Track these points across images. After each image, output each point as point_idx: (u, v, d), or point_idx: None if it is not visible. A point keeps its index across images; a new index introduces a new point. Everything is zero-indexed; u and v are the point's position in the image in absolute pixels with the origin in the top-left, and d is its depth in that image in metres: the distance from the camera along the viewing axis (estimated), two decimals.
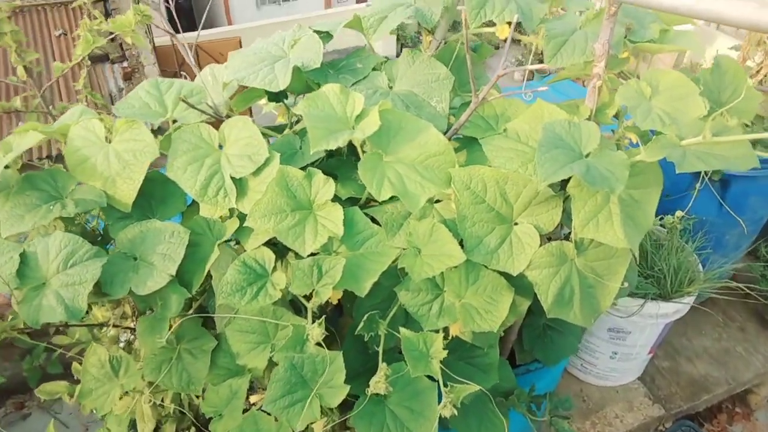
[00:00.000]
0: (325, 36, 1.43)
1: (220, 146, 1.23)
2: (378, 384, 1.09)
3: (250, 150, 1.19)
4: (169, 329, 1.21)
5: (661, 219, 2.04)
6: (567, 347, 1.61)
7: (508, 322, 1.30)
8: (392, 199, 1.18)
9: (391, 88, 1.37)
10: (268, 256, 1.16)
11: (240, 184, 1.19)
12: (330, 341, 1.35)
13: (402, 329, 1.14)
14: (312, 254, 1.14)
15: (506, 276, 1.20)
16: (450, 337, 1.24)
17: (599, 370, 2.33)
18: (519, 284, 1.22)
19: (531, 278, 1.16)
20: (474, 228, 1.17)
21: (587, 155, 1.07)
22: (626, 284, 1.21)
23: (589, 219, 1.10)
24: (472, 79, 1.20)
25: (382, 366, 1.13)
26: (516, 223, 1.20)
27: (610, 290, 1.22)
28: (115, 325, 1.32)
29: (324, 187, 1.18)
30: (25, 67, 1.88)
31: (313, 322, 1.16)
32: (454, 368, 1.38)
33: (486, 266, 1.17)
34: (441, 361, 1.30)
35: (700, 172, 2.17)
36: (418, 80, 1.36)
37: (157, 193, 1.30)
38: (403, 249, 1.18)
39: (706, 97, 1.04)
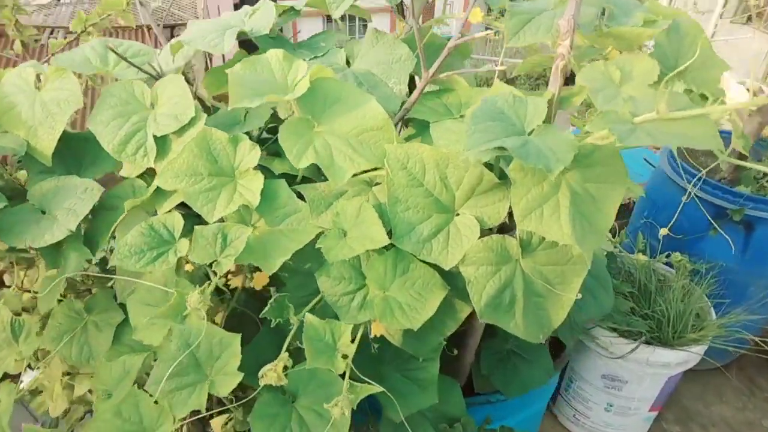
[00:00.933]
0: (291, 12, 1.36)
1: (153, 106, 1.15)
2: (269, 373, 0.95)
3: (178, 109, 1.11)
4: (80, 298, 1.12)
5: (668, 256, 1.83)
6: (533, 379, 1.41)
7: (447, 329, 1.14)
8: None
9: (349, 65, 1.28)
10: (178, 222, 1.06)
11: (163, 144, 1.11)
12: (253, 331, 1.22)
13: (308, 315, 1.00)
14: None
15: (445, 274, 1.06)
16: (373, 336, 1.10)
17: (593, 423, 2.07)
18: (462, 286, 1.06)
19: (465, 275, 1.01)
20: (407, 213, 1.04)
21: (530, 133, 0.93)
22: (579, 295, 1.04)
23: (532, 209, 0.95)
24: (421, 52, 1.09)
25: (283, 356, 0.99)
26: (458, 214, 1.06)
27: (562, 303, 1.05)
28: (25, 290, 1.24)
29: (249, 154, 1.08)
30: (22, 42, 1.90)
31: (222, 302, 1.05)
32: (389, 380, 1.23)
33: (416, 257, 1.03)
34: (373, 371, 1.15)
35: (721, 212, 1.96)
36: (379, 60, 1.26)
37: (89, 154, 1.23)
38: (327, 230, 1.06)
39: (661, 63, 0.89)
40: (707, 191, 1.97)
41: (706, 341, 1.75)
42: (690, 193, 1.98)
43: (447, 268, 1.02)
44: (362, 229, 1.03)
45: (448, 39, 1.35)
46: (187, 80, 1.23)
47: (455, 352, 1.36)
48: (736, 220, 1.91)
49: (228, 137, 1.08)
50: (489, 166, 1.03)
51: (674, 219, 2.00)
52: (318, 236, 1.04)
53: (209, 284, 0.97)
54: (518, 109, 0.95)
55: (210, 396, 1.03)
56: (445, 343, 1.29)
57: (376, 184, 1.13)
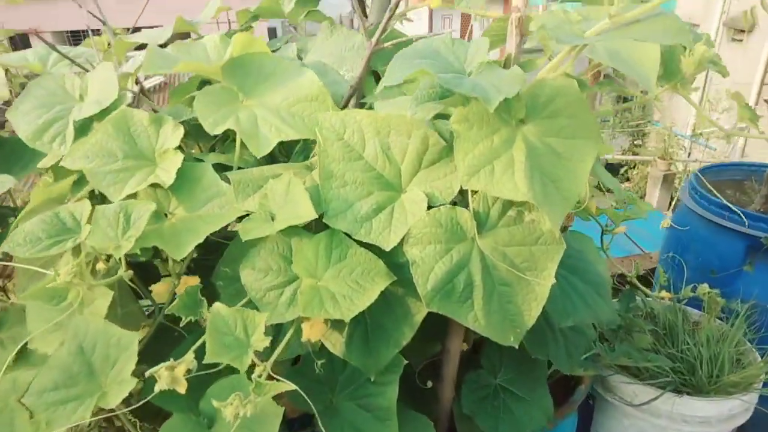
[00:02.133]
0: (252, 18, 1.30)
1: (82, 98, 1.07)
2: (163, 372, 0.77)
3: (102, 95, 1.02)
4: None
5: (694, 289, 1.58)
6: (528, 421, 1.16)
7: (402, 337, 0.94)
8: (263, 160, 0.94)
9: (301, 59, 1.19)
10: (86, 210, 0.93)
11: (84, 132, 1.01)
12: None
13: (217, 303, 0.83)
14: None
15: (393, 265, 0.88)
16: (311, 342, 0.90)
17: None
18: None
19: (409, 256, 0.84)
20: (343, 190, 0.89)
21: (470, 74, 0.79)
22: (554, 281, 0.83)
23: (480, 166, 0.79)
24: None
25: (188, 357, 0.81)
26: (406, 192, 0.90)
27: (536, 294, 0.85)
28: None
29: (173, 134, 0.97)
30: None
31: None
32: (341, 412, 1.01)
33: (352, 238, 0.87)
34: (320, 398, 0.96)
35: (756, 244, 1.72)
36: (331, 51, 1.17)
37: (23, 156, 1.15)
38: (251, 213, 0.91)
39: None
40: (737, 221, 1.74)
41: (753, 385, 1.45)
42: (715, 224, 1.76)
43: (387, 249, 0.85)
44: (292, 208, 0.88)
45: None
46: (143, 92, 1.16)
47: (429, 384, 1.13)
48: None
49: (150, 118, 0.98)
50: None
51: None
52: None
53: (85, 255, 0.82)
54: (457, 50, 0.82)
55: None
56: (411, 367, 1.09)
57: None
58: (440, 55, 0.81)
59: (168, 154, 0.95)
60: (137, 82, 1.15)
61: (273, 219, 0.90)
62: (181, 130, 0.96)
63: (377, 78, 1.21)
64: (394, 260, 0.88)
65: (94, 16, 1.24)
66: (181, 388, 0.78)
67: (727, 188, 1.99)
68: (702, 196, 1.85)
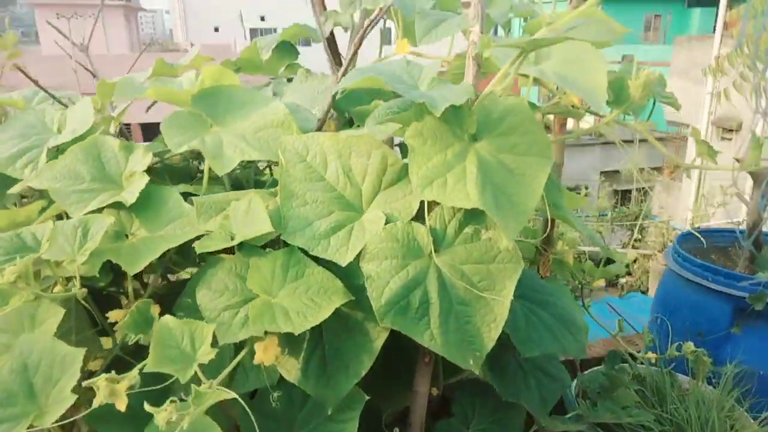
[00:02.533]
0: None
1: (60, 131, 1.11)
2: (102, 384, 0.73)
3: (77, 124, 1.05)
4: None
5: (679, 348, 1.53)
6: None
7: (361, 367, 0.90)
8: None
9: None
10: (48, 229, 0.93)
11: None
12: None
13: (166, 316, 0.81)
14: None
15: (352, 288, 0.87)
16: (266, 368, 0.87)
17: None
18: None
19: (365, 271, 0.82)
20: (303, 209, 0.89)
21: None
22: (510, 298, 0.82)
23: (434, 177, 0.80)
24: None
25: (131, 373, 0.77)
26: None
27: (495, 315, 0.83)
28: None
29: (142, 159, 0.99)
30: None
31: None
32: None
33: (309, 254, 0.86)
34: None
35: (743, 305, 1.68)
36: (305, 94, 1.22)
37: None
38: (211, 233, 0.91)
39: None
40: (722, 282, 1.72)
41: None
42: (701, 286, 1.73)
43: (343, 264, 0.84)
44: (249, 225, 0.88)
45: None
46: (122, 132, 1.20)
47: (396, 431, 1.07)
48: (759, 310, 1.63)
49: (121, 145, 1.00)
50: None
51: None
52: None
53: (30, 258, 0.80)
54: (412, 70, 0.86)
55: None
56: (379, 413, 1.04)
57: None
58: (395, 73, 0.85)
59: (134, 177, 0.96)
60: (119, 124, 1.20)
61: (233, 239, 0.89)
62: (150, 156, 0.98)
63: (351, 123, 1.25)
64: (354, 282, 0.87)
65: (84, 67, 1.31)
66: (121, 404, 0.75)
67: (711, 253, 1.98)
68: (686, 259, 1.84)
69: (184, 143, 0.91)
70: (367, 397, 0.93)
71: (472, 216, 0.85)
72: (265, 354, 0.85)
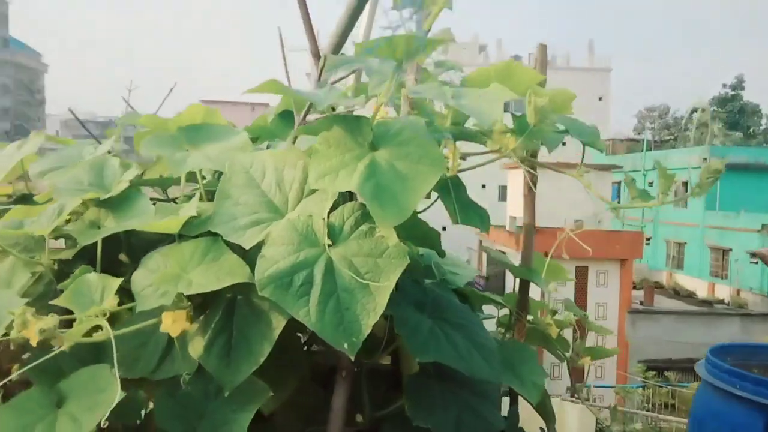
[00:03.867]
0: None
1: None
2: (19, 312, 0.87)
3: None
4: None
5: None
6: None
7: (260, 352, 0.95)
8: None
9: None
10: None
11: None
12: None
13: (88, 274, 0.94)
14: None
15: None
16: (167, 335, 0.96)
17: None
18: None
19: (261, 253, 0.92)
20: (234, 208, 1.03)
21: None
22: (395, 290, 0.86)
23: (328, 172, 0.91)
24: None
25: (49, 318, 0.91)
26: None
27: (375, 303, 0.88)
28: None
29: (133, 173, 1.19)
30: None
31: None
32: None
33: (224, 239, 0.98)
34: (186, 422, 0.99)
35: None
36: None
37: None
38: None
39: None
40: (750, 390, 1.53)
41: None
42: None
43: (247, 247, 0.94)
44: (184, 216, 1.02)
45: None
46: None
47: None
48: None
49: (122, 162, 1.22)
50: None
51: None
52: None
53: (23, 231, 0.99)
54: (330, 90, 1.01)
55: None
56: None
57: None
58: (317, 93, 1.01)
59: (121, 184, 1.16)
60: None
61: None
62: (138, 170, 1.19)
63: None
64: None
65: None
66: (33, 339, 0.87)
67: (754, 366, 1.77)
68: (715, 365, 1.67)
69: (155, 150, 1.11)
70: (271, 393, 0.97)
71: (369, 216, 0.93)
72: (173, 326, 0.95)
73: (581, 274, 20.69)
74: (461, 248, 31.99)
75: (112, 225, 1.11)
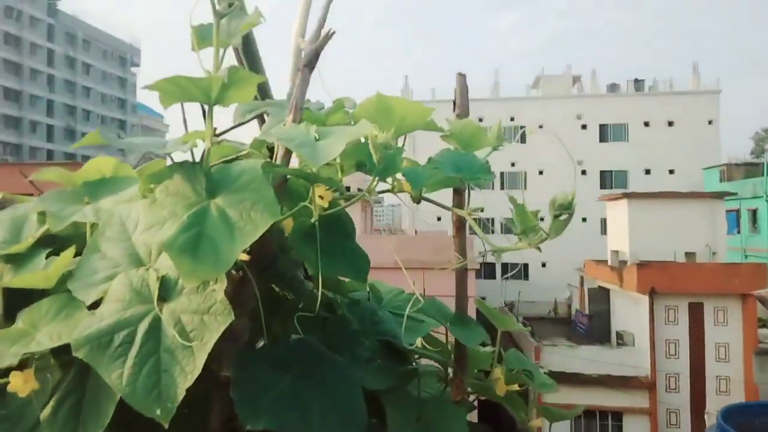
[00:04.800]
0: None
1: None
2: None
3: None
4: None
5: None
6: None
7: (107, 417, 0.90)
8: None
9: None
10: None
11: None
12: None
13: None
14: None
15: None
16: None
17: None
18: None
19: (96, 310, 0.88)
20: (98, 262, 1.00)
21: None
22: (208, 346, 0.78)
23: (155, 223, 0.86)
24: None
25: None
26: (148, 269, 0.97)
27: (193, 365, 0.81)
28: None
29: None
30: None
31: None
32: None
33: (75, 295, 0.95)
34: None
35: None
36: None
37: None
38: None
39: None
40: None
41: None
42: None
43: (87, 304, 0.90)
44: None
45: None
46: None
47: None
48: None
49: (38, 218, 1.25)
50: None
51: None
52: None
53: None
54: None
55: None
56: None
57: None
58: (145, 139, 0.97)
59: (27, 240, 1.18)
60: None
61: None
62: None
63: None
64: None
65: None
66: None
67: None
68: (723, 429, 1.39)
69: (47, 207, 1.12)
70: None
71: None
72: (24, 385, 0.92)
73: (695, 312, 18.90)
74: (561, 285, 30.53)
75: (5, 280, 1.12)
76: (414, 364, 1.26)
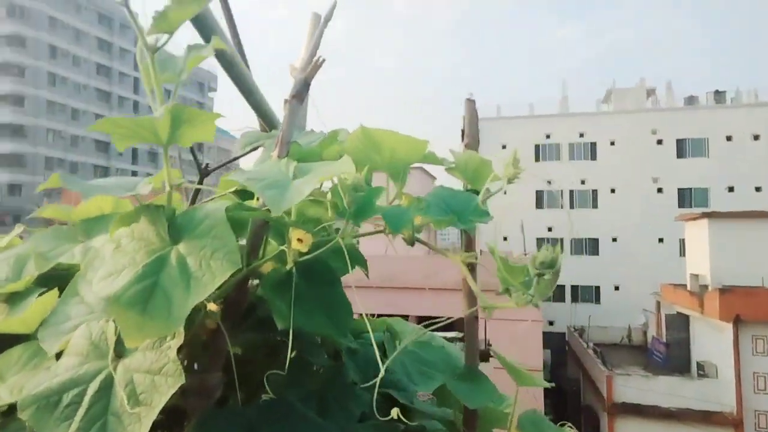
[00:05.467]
0: None
1: None
2: None
3: None
4: None
5: None
6: None
7: None
8: None
9: None
10: None
11: None
12: None
13: None
14: None
15: None
16: None
17: None
18: None
19: (50, 364, 0.82)
20: (74, 308, 0.94)
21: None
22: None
23: (113, 272, 0.79)
24: None
25: None
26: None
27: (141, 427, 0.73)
28: None
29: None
30: None
31: None
32: None
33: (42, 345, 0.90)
34: None
35: None
36: None
37: None
38: None
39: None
40: None
41: None
42: None
43: (50, 354, 0.85)
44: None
45: None
46: None
47: None
48: None
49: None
50: None
51: None
52: None
53: None
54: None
55: None
56: None
57: None
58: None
59: (26, 279, 1.16)
60: None
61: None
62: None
63: None
64: None
65: None
66: None
67: None
68: None
69: (39, 246, 1.09)
70: None
71: None
72: None
73: None
74: (635, 310, 28.98)
75: None
76: (420, 422, 1.14)
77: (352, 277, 1.06)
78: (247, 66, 1.23)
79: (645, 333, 25.87)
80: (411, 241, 0.92)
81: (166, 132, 0.75)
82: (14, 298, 1.12)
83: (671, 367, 19.63)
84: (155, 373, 0.76)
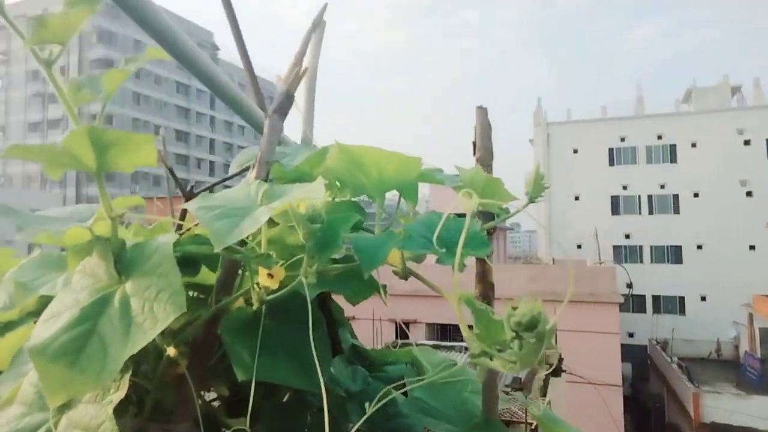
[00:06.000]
0: None
1: None
2: None
3: None
4: None
5: None
6: None
7: None
8: None
9: None
10: None
11: None
12: None
13: None
14: None
15: None
16: None
17: None
18: None
19: None
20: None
21: None
22: None
23: (55, 314, 0.71)
24: None
25: None
26: None
27: None
28: None
29: None
30: None
31: None
32: None
33: None
34: None
35: None
36: None
37: None
38: None
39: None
40: None
41: None
42: None
43: (3, 399, 0.78)
44: None
45: None
46: None
47: None
48: None
49: None
50: None
51: None
52: None
53: None
54: None
55: None
56: None
57: None
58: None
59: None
60: None
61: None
62: None
63: None
64: None
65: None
66: None
67: None
68: None
69: (23, 277, 1.04)
70: None
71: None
72: None
73: None
74: (725, 322, 27.01)
75: None
76: None
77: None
78: (250, 66, 1.13)
79: (736, 347, 24.09)
80: (404, 275, 0.78)
81: (90, 158, 0.66)
82: (9, 327, 1.07)
83: (767, 386, 18.10)
84: (93, 430, 0.66)
